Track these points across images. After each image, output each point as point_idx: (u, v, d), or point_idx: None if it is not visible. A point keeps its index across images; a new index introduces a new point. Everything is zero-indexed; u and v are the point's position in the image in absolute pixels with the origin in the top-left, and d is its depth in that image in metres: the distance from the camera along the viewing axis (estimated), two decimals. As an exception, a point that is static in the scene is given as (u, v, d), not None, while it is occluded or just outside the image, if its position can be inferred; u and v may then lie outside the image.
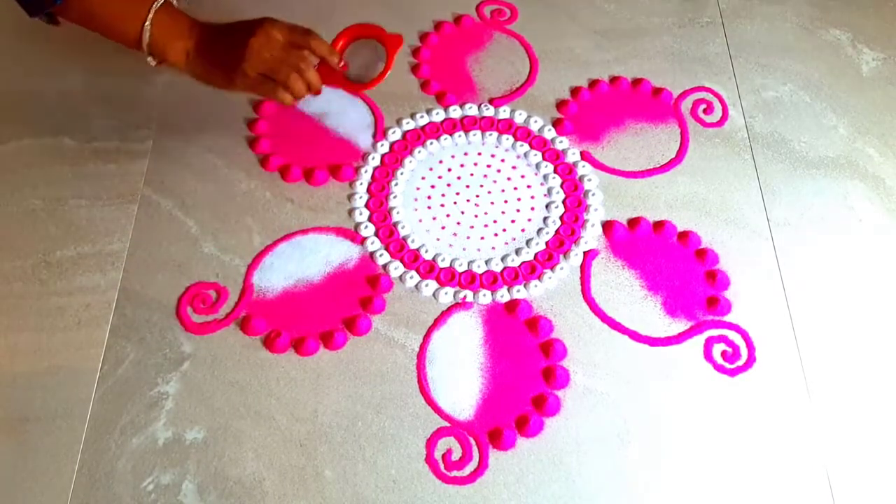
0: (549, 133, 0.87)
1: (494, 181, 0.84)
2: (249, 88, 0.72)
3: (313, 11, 0.96)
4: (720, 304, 0.75)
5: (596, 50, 0.93)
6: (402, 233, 0.80)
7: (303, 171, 0.84)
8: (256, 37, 0.70)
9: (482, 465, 0.67)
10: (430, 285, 0.77)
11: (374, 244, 0.79)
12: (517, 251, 0.79)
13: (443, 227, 0.81)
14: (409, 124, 0.87)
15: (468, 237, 0.80)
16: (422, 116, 0.88)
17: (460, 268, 0.78)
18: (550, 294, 0.76)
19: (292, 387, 0.71)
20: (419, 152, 0.85)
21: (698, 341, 0.73)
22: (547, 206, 0.82)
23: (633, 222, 0.80)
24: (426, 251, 0.79)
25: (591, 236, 0.80)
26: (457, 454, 0.68)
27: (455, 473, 0.67)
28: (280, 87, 0.72)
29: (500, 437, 0.68)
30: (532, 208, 0.82)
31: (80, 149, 0.85)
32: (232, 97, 0.88)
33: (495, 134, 0.87)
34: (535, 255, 0.79)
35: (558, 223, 0.81)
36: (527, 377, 0.72)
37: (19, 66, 0.92)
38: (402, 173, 0.84)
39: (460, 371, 0.72)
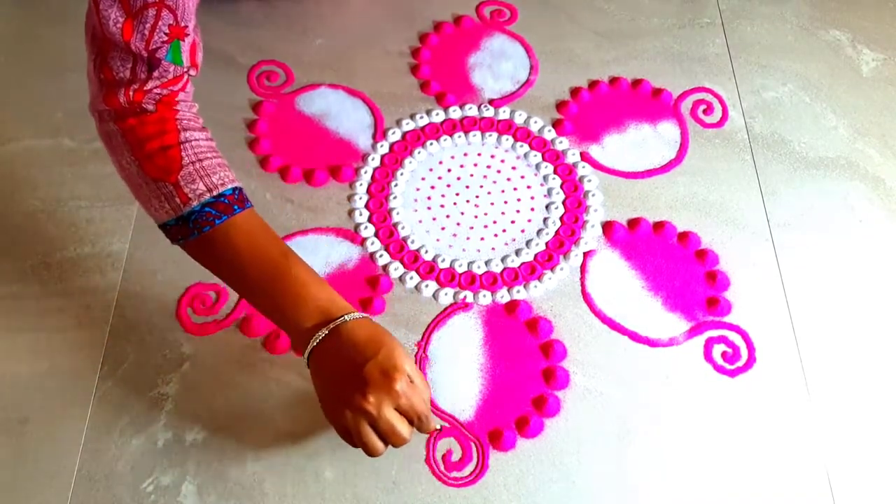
0: (549, 134, 0.87)
1: (494, 182, 0.84)
2: (337, 428, 0.61)
3: (315, 13, 0.96)
4: (720, 304, 0.75)
5: (596, 50, 0.93)
6: (402, 233, 0.80)
7: (302, 172, 0.84)
8: (376, 390, 0.57)
9: (482, 466, 0.67)
10: (430, 286, 0.77)
11: (374, 245, 0.79)
12: (517, 252, 0.79)
13: (443, 228, 0.81)
14: (408, 125, 0.87)
15: (468, 238, 0.80)
16: (421, 117, 0.88)
17: (460, 269, 0.78)
18: (550, 295, 0.76)
19: (292, 388, 0.71)
20: (419, 153, 0.85)
21: (698, 342, 0.73)
22: (547, 207, 0.82)
23: (633, 223, 0.80)
24: (426, 252, 0.79)
25: (591, 237, 0.80)
26: (457, 455, 0.68)
27: (455, 474, 0.67)
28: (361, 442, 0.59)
29: (501, 437, 0.68)
30: (532, 209, 0.82)
31: (80, 149, 0.85)
32: (231, 98, 0.89)
33: (495, 135, 0.87)
34: (535, 255, 0.79)
35: (558, 224, 0.81)
36: (527, 378, 0.72)
37: (19, 66, 0.92)
38: (401, 174, 0.84)
39: (460, 372, 0.72)
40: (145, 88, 0.59)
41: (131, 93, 0.59)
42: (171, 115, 0.61)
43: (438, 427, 0.65)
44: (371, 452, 0.58)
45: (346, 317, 0.59)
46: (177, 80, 0.61)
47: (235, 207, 0.61)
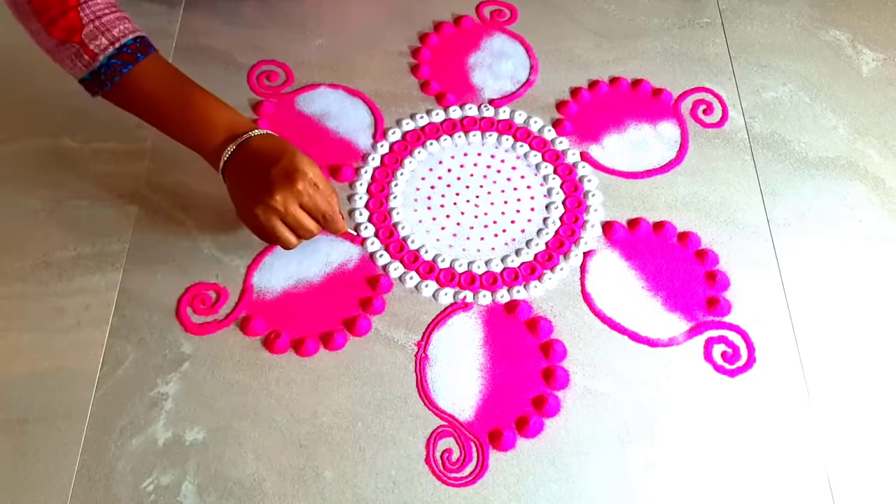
0: (549, 134, 0.87)
1: (494, 182, 0.84)
2: (252, 228, 0.70)
3: (315, 13, 0.96)
4: (720, 304, 0.75)
5: (596, 50, 0.93)
6: (402, 233, 0.80)
7: (303, 172, 0.84)
8: (280, 190, 0.66)
9: (482, 466, 0.67)
10: (430, 286, 0.77)
11: (373, 245, 0.79)
12: (517, 252, 0.79)
13: (443, 228, 0.81)
14: (408, 125, 0.87)
15: (468, 238, 0.80)
16: (421, 117, 0.88)
17: (460, 268, 0.78)
18: (550, 295, 0.76)
19: (292, 387, 0.71)
20: (419, 153, 0.85)
21: (698, 342, 0.73)
22: (547, 207, 0.82)
23: (633, 223, 0.80)
24: (426, 252, 0.79)
25: (591, 237, 0.80)
26: (456, 455, 0.68)
27: (455, 474, 0.67)
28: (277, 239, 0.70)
29: (500, 437, 0.68)
30: (532, 209, 0.82)
31: (80, 149, 0.85)
32: (231, 98, 0.89)
33: (495, 134, 0.87)
34: (535, 255, 0.79)
35: (558, 224, 0.81)
36: (527, 378, 0.72)
37: (19, 66, 0.92)
38: (401, 174, 0.84)
39: (460, 372, 0.72)
40: None
41: None
42: None
43: (354, 232, 0.75)
44: (284, 244, 0.69)
45: (250, 133, 0.69)
46: None
47: (139, 55, 0.68)
